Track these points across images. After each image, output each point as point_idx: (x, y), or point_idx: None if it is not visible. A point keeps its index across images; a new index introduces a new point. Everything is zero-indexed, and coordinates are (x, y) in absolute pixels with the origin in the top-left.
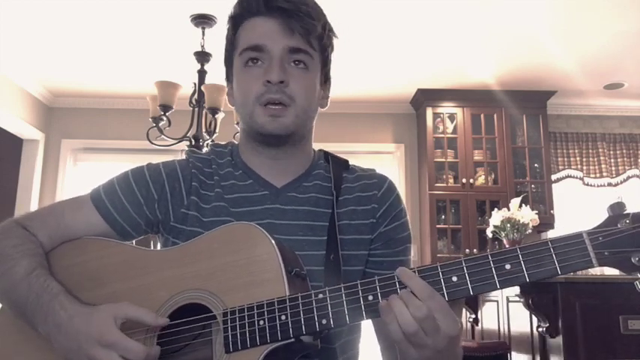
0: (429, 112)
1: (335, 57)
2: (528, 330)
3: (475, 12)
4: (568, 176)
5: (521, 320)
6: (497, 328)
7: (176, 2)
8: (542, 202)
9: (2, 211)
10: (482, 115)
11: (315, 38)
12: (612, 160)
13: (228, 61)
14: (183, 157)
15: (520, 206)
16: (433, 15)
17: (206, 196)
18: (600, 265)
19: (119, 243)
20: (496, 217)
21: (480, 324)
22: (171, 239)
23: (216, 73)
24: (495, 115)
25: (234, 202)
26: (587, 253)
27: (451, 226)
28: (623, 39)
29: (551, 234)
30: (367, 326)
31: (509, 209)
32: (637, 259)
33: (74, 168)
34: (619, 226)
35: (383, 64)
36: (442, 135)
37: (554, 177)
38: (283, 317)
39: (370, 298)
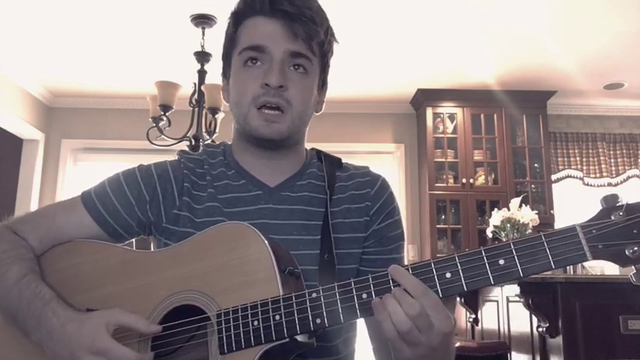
0: (429, 112)
1: (335, 57)
2: (528, 330)
3: (475, 12)
4: (568, 176)
5: (521, 320)
6: (497, 328)
7: (176, 2)
8: (542, 202)
9: (2, 211)
10: (482, 115)
11: (317, 44)
12: (612, 160)
13: (227, 58)
14: (175, 157)
15: (520, 206)
16: (433, 15)
17: (198, 197)
18: (594, 258)
19: (111, 245)
20: (496, 217)
21: (479, 324)
22: (164, 240)
23: (216, 73)
24: (495, 115)
25: (227, 202)
26: (580, 246)
27: (451, 226)
28: (623, 39)
29: None
30: (363, 325)
31: (509, 209)
32: (631, 251)
33: (74, 168)
34: (613, 218)
35: (383, 64)
36: (442, 135)
37: (554, 177)
38: (277, 317)
39: (364, 296)
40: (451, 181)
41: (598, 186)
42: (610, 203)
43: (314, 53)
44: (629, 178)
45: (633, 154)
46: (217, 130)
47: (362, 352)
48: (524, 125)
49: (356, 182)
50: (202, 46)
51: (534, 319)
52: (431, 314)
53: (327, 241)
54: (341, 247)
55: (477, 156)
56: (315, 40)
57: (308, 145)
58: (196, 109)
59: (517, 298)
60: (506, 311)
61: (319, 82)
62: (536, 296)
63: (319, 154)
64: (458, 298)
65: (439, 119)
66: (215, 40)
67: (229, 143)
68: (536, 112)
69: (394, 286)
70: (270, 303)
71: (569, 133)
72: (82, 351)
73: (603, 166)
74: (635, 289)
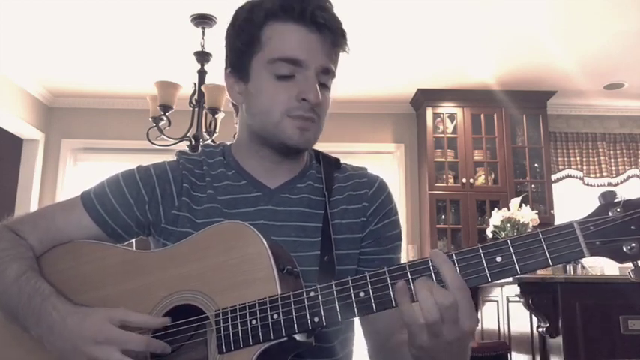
0: (429, 112)
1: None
2: (528, 330)
3: (475, 12)
4: (568, 176)
5: (521, 320)
6: (497, 328)
7: (176, 2)
8: (542, 202)
9: (2, 211)
10: (482, 115)
11: (338, 57)
12: (612, 160)
13: (243, 56)
14: (174, 158)
15: (520, 206)
16: (433, 15)
17: (197, 198)
18: (592, 254)
19: (110, 246)
20: (496, 217)
21: (479, 324)
22: (162, 241)
23: (216, 73)
24: (495, 115)
25: (227, 203)
26: (578, 243)
27: (451, 226)
28: (623, 39)
29: None
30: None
31: (509, 209)
32: (628, 247)
33: (74, 168)
34: (610, 214)
35: (383, 64)
36: (442, 135)
37: (554, 177)
38: (275, 316)
39: (362, 294)
40: (451, 181)
41: (598, 186)
42: (608, 199)
43: (335, 66)
44: (629, 178)
45: (633, 154)
46: (217, 130)
47: (359, 353)
48: (524, 125)
49: (354, 183)
50: (202, 46)
51: (534, 319)
52: (460, 309)
53: (328, 242)
54: (339, 247)
55: (477, 156)
56: (340, 53)
57: None
58: (196, 109)
59: (517, 298)
60: (506, 311)
61: None
62: (536, 296)
63: (318, 156)
64: None
65: (439, 119)
66: (215, 40)
67: (228, 144)
68: (536, 112)
69: (392, 284)
70: (268, 302)
71: (569, 133)
72: (86, 342)
73: (603, 166)
74: (635, 289)
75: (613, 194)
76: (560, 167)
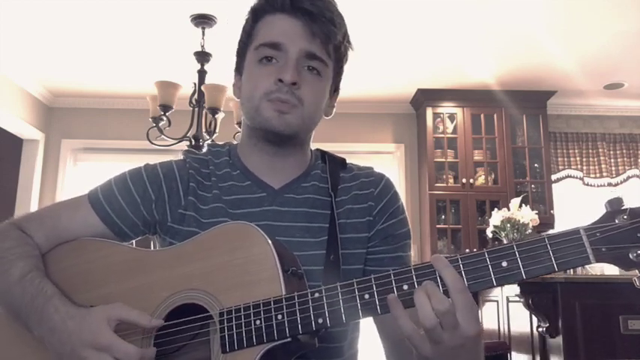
0: (429, 112)
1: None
2: (528, 330)
3: (475, 12)
4: (568, 176)
5: (521, 320)
6: (497, 328)
7: (176, 2)
8: (542, 202)
9: (2, 211)
10: (482, 115)
11: (333, 47)
12: (612, 160)
13: (241, 52)
14: (181, 157)
15: (520, 206)
16: (433, 15)
17: (203, 197)
18: (597, 261)
19: (116, 244)
20: (496, 217)
21: (481, 323)
22: (169, 240)
23: (216, 73)
24: (495, 115)
25: (232, 203)
26: (584, 249)
27: (451, 226)
28: (623, 39)
29: None
30: (366, 326)
31: (509, 209)
32: (635, 254)
33: (74, 168)
34: (617, 221)
35: (383, 64)
36: (442, 135)
37: (554, 177)
38: (279, 317)
39: (366, 296)
40: (451, 181)
41: (598, 186)
42: (614, 207)
43: (329, 56)
44: (629, 178)
45: (633, 154)
46: (217, 130)
47: (365, 353)
48: (524, 125)
49: (359, 182)
50: (202, 46)
51: (534, 319)
52: (460, 313)
53: (334, 242)
54: (344, 247)
55: (477, 156)
56: (332, 42)
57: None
58: (196, 109)
59: (517, 298)
60: (506, 311)
61: (332, 87)
62: (536, 296)
63: (323, 155)
64: None
65: (439, 119)
66: (215, 40)
67: (235, 143)
68: (536, 112)
69: (397, 287)
70: (272, 302)
71: (569, 133)
72: (83, 347)
73: (603, 166)
74: (635, 289)
75: (620, 201)
76: (560, 167)
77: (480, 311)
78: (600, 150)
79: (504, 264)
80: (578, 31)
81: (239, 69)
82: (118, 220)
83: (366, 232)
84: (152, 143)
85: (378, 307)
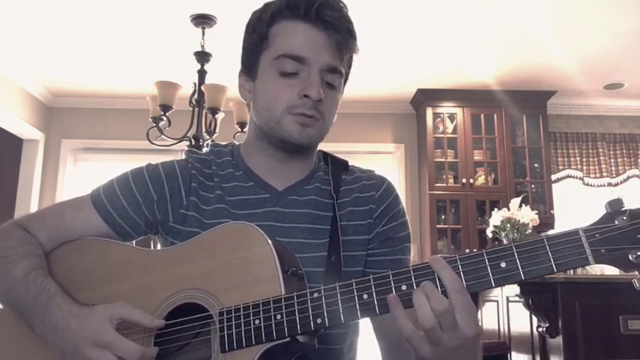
0: (429, 112)
1: None
2: (528, 330)
3: (475, 12)
4: (568, 176)
5: (521, 320)
6: (497, 328)
7: (176, 2)
8: (542, 202)
9: (2, 211)
10: (482, 115)
11: (348, 57)
12: (612, 160)
13: (253, 54)
14: (183, 157)
15: (520, 206)
16: (433, 15)
17: (206, 198)
18: (597, 262)
19: (118, 243)
20: (496, 217)
21: (480, 324)
22: (170, 239)
23: (216, 73)
24: (495, 115)
25: (235, 204)
26: (583, 250)
27: (451, 226)
28: (623, 39)
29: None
30: (364, 327)
31: (509, 209)
32: (634, 256)
33: (74, 168)
34: (616, 223)
35: (383, 64)
36: (442, 135)
37: (554, 177)
38: (278, 316)
39: (365, 297)
40: (451, 181)
41: (598, 186)
42: (614, 208)
43: (344, 66)
44: (629, 178)
45: (633, 154)
46: (217, 130)
47: (363, 353)
48: (524, 125)
49: (361, 185)
50: (202, 46)
51: (534, 319)
52: (458, 314)
53: (335, 244)
54: (345, 249)
55: (477, 156)
56: (349, 53)
57: None
58: (196, 109)
59: (517, 298)
60: (506, 311)
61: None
62: (536, 296)
63: (326, 157)
64: None
65: (439, 119)
66: (215, 40)
67: (237, 144)
68: (536, 112)
69: (396, 288)
70: (271, 302)
71: (569, 133)
72: (85, 345)
73: (603, 166)
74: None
75: (620, 202)
76: (560, 167)
77: (479, 311)
78: (600, 150)
79: (503, 265)
80: (579, 31)
81: (250, 71)
82: (120, 220)
83: (366, 234)
84: (152, 143)
85: (377, 308)
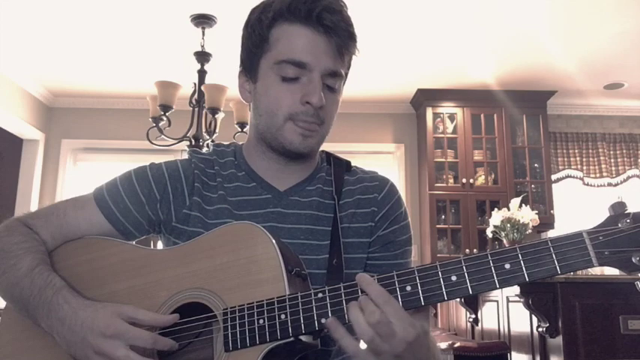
0: (429, 112)
1: None
2: (528, 330)
3: (475, 12)
4: (568, 176)
5: (521, 320)
6: (497, 328)
7: (176, 2)
8: (542, 202)
9: (2, 211)
10: (482, 115)
11: (348, 60)
12: (612, 160)
13: (253, 55)
14: (185, 156)
15: (520, 206)
16: (433, 15)
17: (208, 198)
18: (600, 264)
19: (121, 242)
20: (496, 217)
21: (479, 324)
22: (173, 239)
23: (216, 73)
24: (495, 115)
25: (237, 204)
26: (587, 252)
27: (451, 226)
28: (623, 39)
29: (551, 234)
30: None
31: (509, 209)
32: (638, 258)
33: (74, 168)
34: (620, 225)
35: (383, 64)
36: (442, 135)
37: (554, 177)
38: (283, 316)
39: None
40: (451, 181)
41: (598, 186)
42: (617, 210)
43: (345, 69)
44: (629, 178)
45: (633, 154)
46: (217, 130)
47: None
48: (524, 125)
49: (363, 186)
50: (202, 46)
51: (534, 319)
52: (393, 322)
53: (337, 246)
54: (347, 252)
55: (477, 156)
56: (349, 56)
57: None
58: (196, 109)
59: (517, 298)
60: (506, 311)
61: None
62: (536, 296)
63: (329, 157)
64: (457, 299)
65: (439, 119)
66: (215, 40)
67: (240, 144)
68: (536, 112)
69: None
70: (276, 302)
71: (569, 133)
72: (95, 335)
73: (603, 166)
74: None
75: (623, 205)
76: (560, 167)
77: (480, 311)
78: (600, 150)
79: (507, 266)
80: (579, 31)
81: (249, 72)
82: (123, 219)
83: (367, 237)
84: (152, 143)
85: None
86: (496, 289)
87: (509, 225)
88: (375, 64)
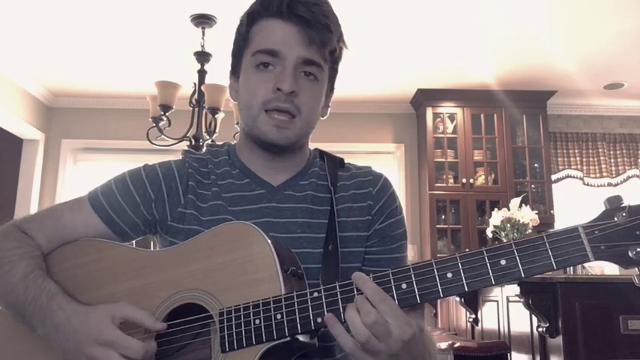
0: (429, 112)
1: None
2: (528, 330)
3: (475, 12)
4: (568, 176)
5: (521, 320)
6: (497, 328)
7: (176, 2)
8: (542, 202)
9: (2, 211)
10: (482, 115)
11: (329, 51)
12: (612, 160)
13: (237, 55)
14: (180, 157)
15: (520, 206)
16: (433, 15)
17: (203, 195)
18: (596, 259)
19: (117, 244)
20: (496, 217)
21: (479, 324)
22: (169, 239)
23: (216, 73)
24: (495, 115)
25: (231, 200)
26: (583, 247)
27: (451, 226)
28: (623, 39)
29: None
30: None
31: (509, 209)
32: (634, 252)
33: (74, 168)
34: (616, 219)
35: (383, 64)
36: (442, 135)
37: (554, 177)
38: (279, 316)
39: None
40: (451, 181)
41: (598, 186)
42: (613, 204)
43: (325, 60)
44: (629, 178)
45: (633, 154)
46: (217, 130)
47: None
48: (524, 125)
49: (357, 181)
50: (202, 46)
51: (534, 319)
52: (389, 321)
53: (332, 238)
54: (344, 245)
55: (477, 156)
56: (328, 47)
57: (310, 146)
58: (196, 109)
59: (517, 298)
60: (506, 311)
61: (327, 88)
62: (536, 296)
63: (321, 154)
64: (457, 299)
65: (439, 119)
66: (215, 40)
67: (233, 143)
68: (536, 112)
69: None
70: (272, 302)
71: (569, 133)
72: (88, 342)
73: (603, 166)
74: (635, 289)
75: (619, 199)
76: (560, 167)
77: (480, 311)
78: (600, 150)
79: (503, 262)
80: (579, 31)
81: (235, 71)
82: (119, 220)
83: (365, 231)
84: (152, 143)
85: None
86: (492, 285)
87: (509, 225)
88: (375, 64)
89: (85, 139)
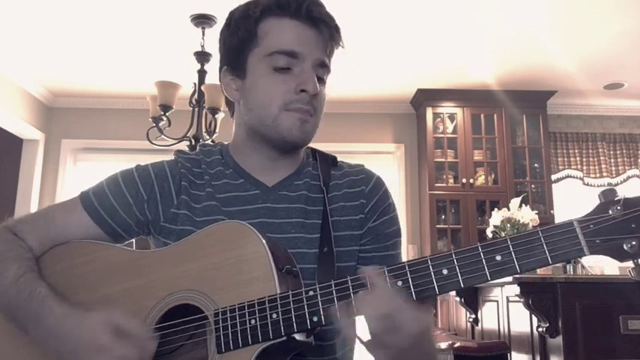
0: (429, 112)
1: (335, 57)
2: (528, 330)
3: (475, 12)
4: (568, 176)
5: (521, 320)
6: (497, 328)
7: (176, 2)
8: (542, 202)
9: (2, 211)
10: (482, 115)
11: (333, 52)
12: (612, 160)
13: (240, 52)
14: (173, 157)
15: (520, 206)
16: (433, 15)
17: (196, 196)
18: (592, 253)
19: (109, 245)
20: (496, 217)
21: (479, 324)
22: (162, 239)
23: (216, 73)
24: (495, 115)
25: (225, 201)
26: (578, 241)
27: (451, 226)
28: (623, 39)
29: None
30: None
31: (509, 209)
32: (629, 246)
33: (74, 168)
34: (610, 212)
35: (383, 64)
36: (442, 135)
37: (554, 177)
38: (274, 316)
39: (360, 294)
40: (451, 181)
41: (598, 186)
42: (608, 198)
43: (330, 61)
44: (629, 178)
45: (633, 154)
46: (217, 130)
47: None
48: (524, 125)
49: (350, 180)
50: (202, 46)
51: (534, 319)
52: (397, 316)
53: (327, 238)
54: (339, 244)
55: (477, 156)
56: (334, 49)
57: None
58: (196, 109)
59: (517, 298)
60: (506, 311)
61: None
62: (536, 296)
63: (314, 153)
64: (457, 298)
65: (439, 119)
66: (215, 40)
67: (226, 143)
68: (536, 112)
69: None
70: (267, 301)
71: (569, 133)
72: (82, 348)
73: (603, 166)
74: (635, 289)
75: (613, 192)
76: (560, 167)
77: (480, 311)
78: (600, 150)
79: (498, 258)
80: (579, 31)
81: (236, 69)
82: (111, 221)
83: (358, 229)
84: (152, 143)
85: None
86: (487, 281)
87: (509, 225)
88: (375, 64)
89: (85, 139)
